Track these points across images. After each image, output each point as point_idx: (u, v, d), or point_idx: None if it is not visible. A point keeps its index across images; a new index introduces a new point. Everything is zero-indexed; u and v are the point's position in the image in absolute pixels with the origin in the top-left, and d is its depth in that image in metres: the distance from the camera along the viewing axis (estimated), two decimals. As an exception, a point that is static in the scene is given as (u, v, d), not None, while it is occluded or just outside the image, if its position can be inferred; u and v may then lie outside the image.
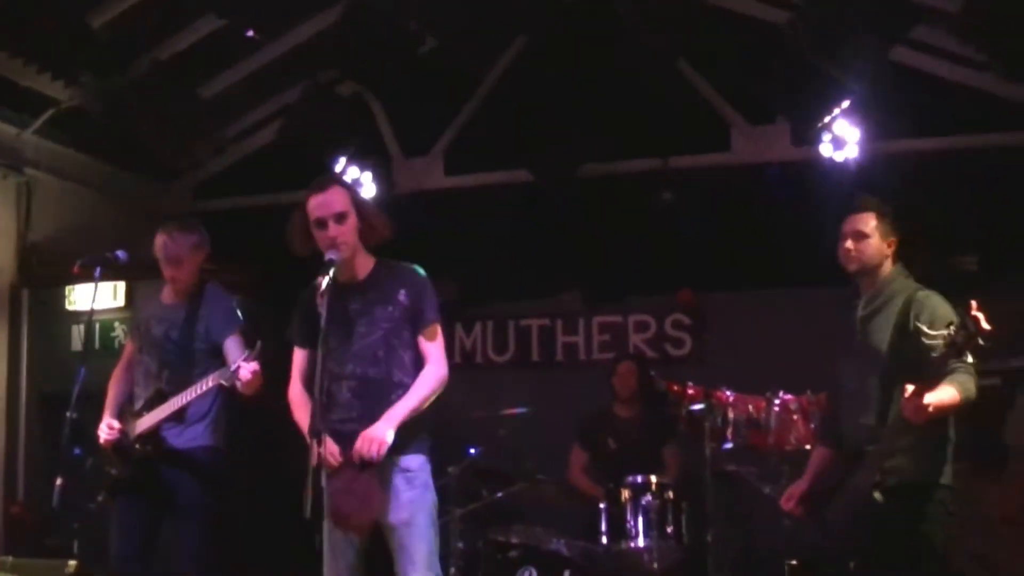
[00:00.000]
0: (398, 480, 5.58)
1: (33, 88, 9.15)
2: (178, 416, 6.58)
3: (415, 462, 5.64)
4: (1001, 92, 9.19)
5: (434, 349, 5.75)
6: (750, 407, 7.89)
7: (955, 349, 5.18)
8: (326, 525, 5.63)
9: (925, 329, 5.29)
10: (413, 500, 5.59)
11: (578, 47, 9.55)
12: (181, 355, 6.73)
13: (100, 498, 6.65)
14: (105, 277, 6.91)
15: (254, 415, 6.72)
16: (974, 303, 5.21)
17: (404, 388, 5.64)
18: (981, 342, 5.16)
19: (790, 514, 6.21)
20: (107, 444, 6.68)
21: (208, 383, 6.34)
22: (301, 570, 6.23)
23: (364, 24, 9.00)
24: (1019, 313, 8.81)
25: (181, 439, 6.66)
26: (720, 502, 8.07)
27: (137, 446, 6.62)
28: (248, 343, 6.46)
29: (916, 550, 5.60)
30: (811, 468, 6.20)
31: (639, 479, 8.36)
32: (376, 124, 10.55)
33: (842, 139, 9.36)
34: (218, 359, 6.65)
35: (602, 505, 8.42)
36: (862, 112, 9.22)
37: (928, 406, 5.29)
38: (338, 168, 9.94)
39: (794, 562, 7.83)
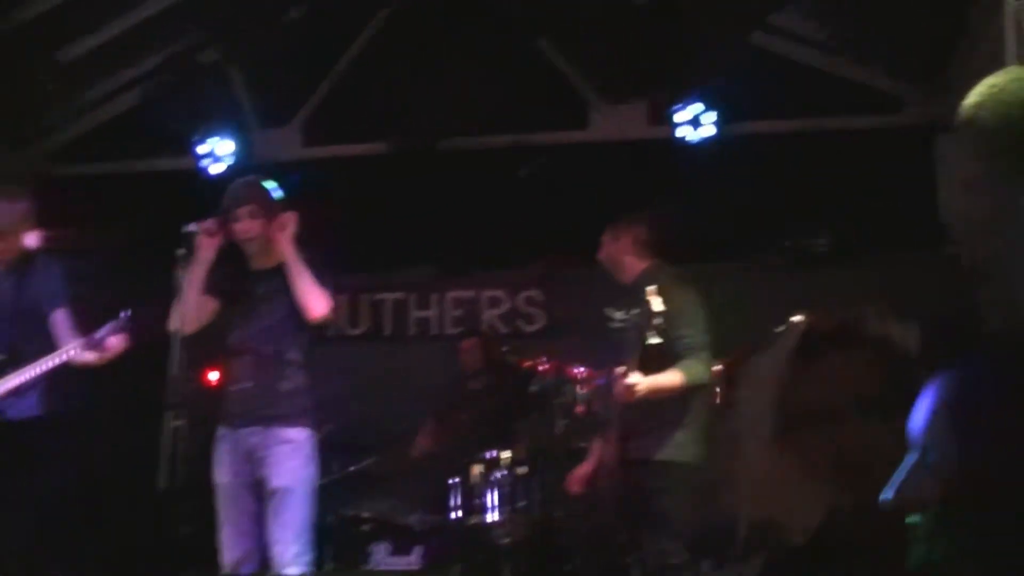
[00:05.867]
0: (283, 449, 5.93)
1: None
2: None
3: (301, 434, 6.01)
4: (854, 76, 9.37)
5: None
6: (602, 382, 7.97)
7: (637, 331, 5.73)
8: (221, 499, 5.98)
9: (614, 314, 5.73)
10: (295, 469, 5.93)
11: (440, 21, 9.51)
12: (16, 324, 6.53)
13: None
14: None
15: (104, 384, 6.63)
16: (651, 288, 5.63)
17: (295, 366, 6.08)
18: (656, 322, 5.70)
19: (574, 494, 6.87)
20: None
21: (70, 352, 6.23)
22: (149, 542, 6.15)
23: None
24: (864, 293, 9.02)
25: (15, 409, 6.47)
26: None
27: None
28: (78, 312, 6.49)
29: (654, 520, 6.13)
30: (595, 451, 6.75)
31: (491, 454, 8.38)
32: (235, 94, 10.37)
33: (698, 120, 9.46)
34: (46, 328, 6.53)
35: (454, 480, 8.43)
36: (719, 93, 9.33)
37: (634, 386, 5.79)
38: (198, 137, 9.86)
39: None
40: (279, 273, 6.14)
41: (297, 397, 6.06)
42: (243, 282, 6.21)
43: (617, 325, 5.89)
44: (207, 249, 6.05)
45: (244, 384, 6.05)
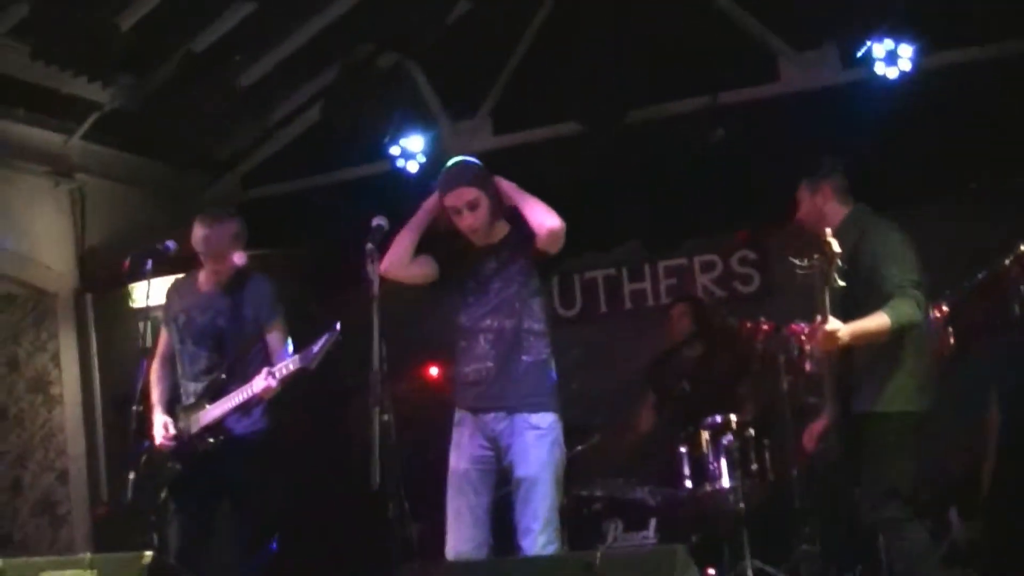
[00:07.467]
0: (529, 436, 5.84)
1: (74, 94, 9.16)
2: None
3: (546, 420, 5.90)
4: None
5: None
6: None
7: (822, 276, 5.55)
8: (454, 486, 5.96)
9: (797, 261, 5.57)
10: (542, 457, 5.83)
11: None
12: (234, 342, 6.74)
13: (163, 495, 6.66)
14: (159, 271, 6.91)
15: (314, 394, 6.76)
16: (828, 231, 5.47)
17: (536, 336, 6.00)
18: (838, 263, 5.52)
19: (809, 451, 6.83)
20: (163, 446, 6.68)
21: (288, 368, 6.36)
22: (369, 541, 6.17)
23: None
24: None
25: (242, 425, 6.66)
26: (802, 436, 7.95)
27: (208, 438, 6.61)
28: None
29: (873, 475, 5.97)
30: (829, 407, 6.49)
31: (718, 419, 8.24)
32: (419, 92, 10.42)
33: (894, 55, 9.11)
34: (262, 345, 6.69)
35: (682, 449, 8.31)
36: (912, 25, 8.97)
37: (835, 332, 5.58)
38: (388, 139, 9.90)
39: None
40: (505, 245, 6.05)
41: (540, 373, 5.96)
42: (468, 262, 6.09)
43: (802, 272, 5.68)
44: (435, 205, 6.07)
45: (483, 364, 5.93)
